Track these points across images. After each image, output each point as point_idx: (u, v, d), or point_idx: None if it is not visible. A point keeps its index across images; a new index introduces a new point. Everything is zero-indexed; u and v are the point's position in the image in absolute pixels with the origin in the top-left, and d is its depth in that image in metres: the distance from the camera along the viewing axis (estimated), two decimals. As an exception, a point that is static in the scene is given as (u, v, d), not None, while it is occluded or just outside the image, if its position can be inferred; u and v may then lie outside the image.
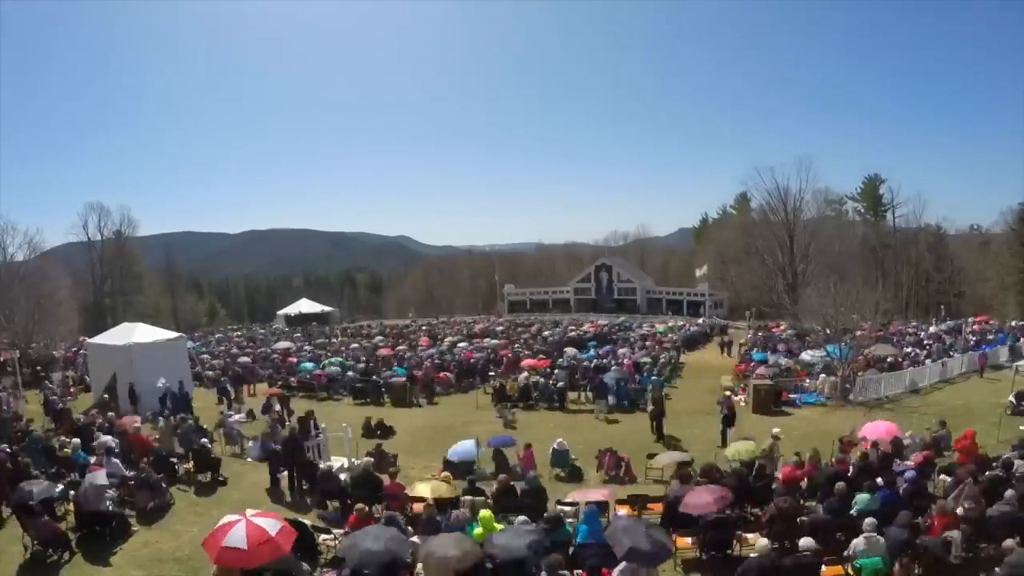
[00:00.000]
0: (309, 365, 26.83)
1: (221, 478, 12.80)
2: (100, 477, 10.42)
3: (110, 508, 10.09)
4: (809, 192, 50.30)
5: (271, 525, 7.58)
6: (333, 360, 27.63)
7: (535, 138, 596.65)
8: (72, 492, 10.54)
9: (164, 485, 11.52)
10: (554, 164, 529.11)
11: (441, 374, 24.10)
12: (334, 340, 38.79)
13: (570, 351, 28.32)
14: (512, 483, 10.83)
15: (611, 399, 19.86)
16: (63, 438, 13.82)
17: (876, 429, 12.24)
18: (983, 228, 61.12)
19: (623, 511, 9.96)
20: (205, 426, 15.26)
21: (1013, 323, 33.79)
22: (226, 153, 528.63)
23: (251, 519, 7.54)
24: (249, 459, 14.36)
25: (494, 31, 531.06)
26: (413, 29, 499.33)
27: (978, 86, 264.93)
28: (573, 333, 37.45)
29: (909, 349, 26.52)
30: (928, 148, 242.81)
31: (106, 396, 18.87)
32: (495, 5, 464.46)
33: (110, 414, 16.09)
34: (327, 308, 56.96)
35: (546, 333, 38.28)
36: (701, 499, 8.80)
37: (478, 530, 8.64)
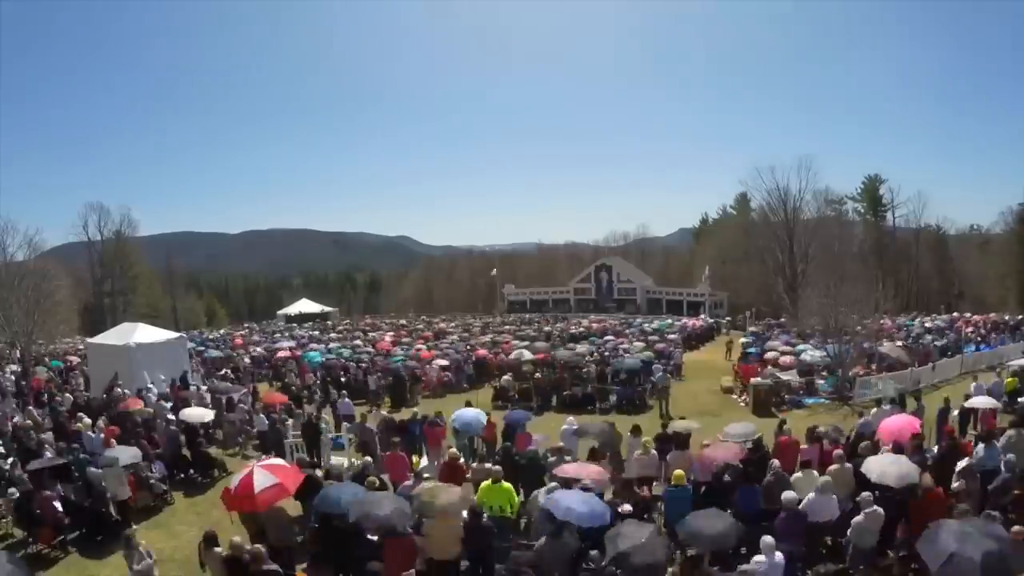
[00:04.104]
0: (316, 356, 27.03)
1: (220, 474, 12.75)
2: (123, 454, 10.38)
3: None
4: (809, 192, 50.65)
5: (278, 471, 8.46)
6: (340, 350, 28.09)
7: (535, 138, 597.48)
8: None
9: (165, 485, 11.50)
10: (554, 164, 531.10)
11: (442, 374, 24.06)
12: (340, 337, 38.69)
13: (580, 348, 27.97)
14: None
15: (613, 398, 19.81)
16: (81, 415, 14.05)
17: (890, 427, 10.90)
18: (983, 228, 61.28)
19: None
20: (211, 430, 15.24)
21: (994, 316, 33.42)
22: (226, 153, 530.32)
23: (259, 466, 8.40)
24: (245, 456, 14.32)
25: (494, 31, 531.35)
26: (412, 27, 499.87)
27: (978, 86, 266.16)
28: (575, 330, 37.45)
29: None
30: (928, 148, 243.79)
31: (105, 396, 18.83)
32: (496, 4, 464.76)
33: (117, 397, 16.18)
34: (327, 308, 56.92)
35: (548, 329, 38.23)
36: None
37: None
